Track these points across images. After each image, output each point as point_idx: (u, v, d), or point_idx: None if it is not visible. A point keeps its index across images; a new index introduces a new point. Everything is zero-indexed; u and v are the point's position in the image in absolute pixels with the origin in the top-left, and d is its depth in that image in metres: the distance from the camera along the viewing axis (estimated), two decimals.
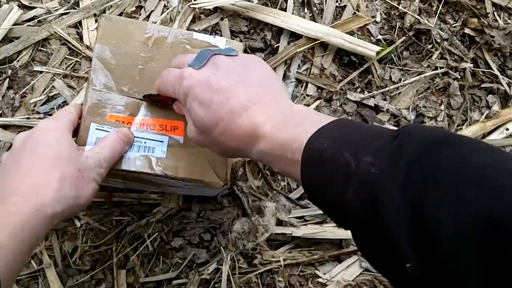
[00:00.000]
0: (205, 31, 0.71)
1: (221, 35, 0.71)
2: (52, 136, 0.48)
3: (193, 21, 0.72)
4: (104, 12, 0.70)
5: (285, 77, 0.72)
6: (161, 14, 0.71)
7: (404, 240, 0.29)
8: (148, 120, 0.55)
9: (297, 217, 0.69)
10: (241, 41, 0.71)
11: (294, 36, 0.73)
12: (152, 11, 0.71)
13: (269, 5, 0.73)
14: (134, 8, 0.71)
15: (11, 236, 0.41)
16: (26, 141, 0.49)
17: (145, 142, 0.55)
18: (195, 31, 0.70)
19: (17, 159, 0.48)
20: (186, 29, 0.70)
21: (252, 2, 0.71)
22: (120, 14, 0.70)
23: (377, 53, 0.72)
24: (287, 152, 0.39)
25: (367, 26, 0.74)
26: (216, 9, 0.72)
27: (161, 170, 0.54)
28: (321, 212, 0.70)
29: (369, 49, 0.72)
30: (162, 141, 0.56)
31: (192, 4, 0.71)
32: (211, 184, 0.56)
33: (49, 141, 0.48)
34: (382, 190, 0.31)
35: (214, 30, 0.71)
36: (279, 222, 0.68)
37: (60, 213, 0.46)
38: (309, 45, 0.72)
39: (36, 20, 0.70)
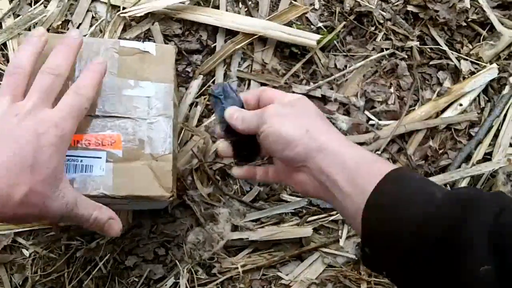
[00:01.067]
0: (137, 38, 0.69)
1: (154, 41, 0.69)
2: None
3: (124, 29, 0.69)
4: (30, 30, 0.68)
5: (226, 76, 0.70)
6: (90, 26, 0.69)
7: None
8: (80, 136, 0.53)
9: (253, 220, 0.68)
10: (176, 44, 0.69)
11: (231, 34, 0.71)
12: (80, 23, 0.69)
13: (202, 4, 0.71)
14: (60, 23, 0.68)
15: None
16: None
17: (81, 161, 0.53)
18: (126, 39, 0.68)
19: None
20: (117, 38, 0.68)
21: (183, 3, 0.69)
22: (48, 30, 0.67)
23: (318, 41, 0.70)
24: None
25: (306, 15, 0.72)
26: (147, 14, 0.70)
27: (100, 191, 0.53)
28: (277, 212, 0.69)
29: (309, 38, 0.70)
30: (100, 157, 0.54)
31: (122, 13, 0.68)
32: (157, 198, 0.54)
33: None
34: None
35: (147, 37, 0.69)
36: (235, 228, 0.67)
37: None
38: (247, 41, 0.70)
39: None
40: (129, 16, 0.69)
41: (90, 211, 0.50)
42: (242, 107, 0.55)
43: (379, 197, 0.43)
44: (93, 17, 0.70)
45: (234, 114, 0.53)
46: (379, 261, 0.44)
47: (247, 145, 0.55)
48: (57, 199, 0.47)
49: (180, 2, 0.69)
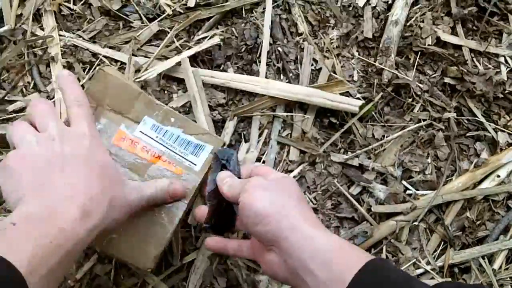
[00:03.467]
0: (184, 106, 0.73)
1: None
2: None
3: (171, 98, 0.74)
4: None
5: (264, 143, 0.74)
6: None
7: None
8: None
9: None
10: (219, 113, 0.73)
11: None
12: None
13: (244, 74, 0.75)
14: None
15: None
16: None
17: None
18: (173, 108, 0.72)
19: None
20: None
21: (225, 71, 0.73)
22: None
23: (360, 107, 0.73)
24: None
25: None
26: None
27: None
28: None
29: (352, 104, 0.74)
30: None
31: (137, 78, 0.73)
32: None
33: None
34: None
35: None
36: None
37: None
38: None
39: None
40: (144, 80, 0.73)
41: (152, 186, 0.59)
42: (239, 178, 0.59)
43: (359, 287, 0.43)
44: (142, 85, 0.74)
45: (225, 179, 0.57)
46: None
47: (223, 215, 0.60)
48: (129, 189, 0.56)
49: (220, 70, 0.73)
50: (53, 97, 0.74)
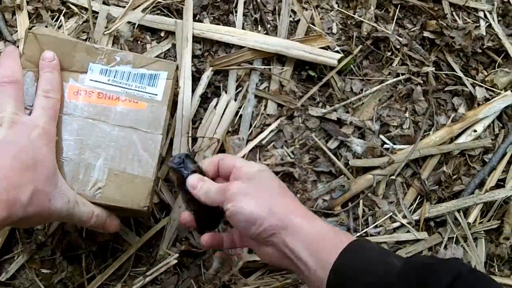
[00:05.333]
0: (158, 57, 0.72)
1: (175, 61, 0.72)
2: None
3: (144, 48, 0.72)
4: None
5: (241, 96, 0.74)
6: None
7: None
8: None
9: None
10: (194, 65, 0.72)
11: None
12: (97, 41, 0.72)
13: (221, 24, 0.75)
14: None
15: None
16: None
17: None
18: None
19: None
20: None
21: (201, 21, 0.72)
22: None
23: (339, 61, 0.74)
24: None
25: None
26: (167, 34, 0.73)
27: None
28: None
29: (331, 57, 0.74)
30: None
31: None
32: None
33: None
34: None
35: (167, 56, 0.73)
36: (249, 249, 0.70)
37: None
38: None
39: None
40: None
41: (91, 208, 0.58)
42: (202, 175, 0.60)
43: (340, 268, 0.48)
44: (115, 36, 0.73)
45: (197, 185, 0.58)
46: None
47: (209, 214, 0.61)
48: (59, 195, 0.55)
49: (195, 20, 0.72)
50: (18, 47, 0.72)
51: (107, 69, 0.62)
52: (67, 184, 0.57)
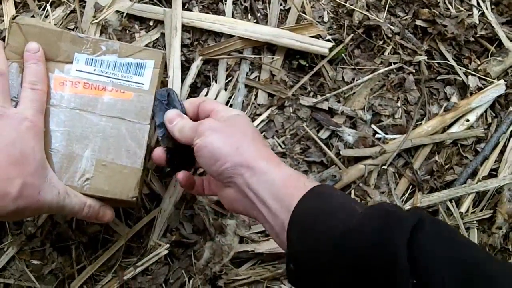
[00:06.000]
0: (146, 47, 0.72)
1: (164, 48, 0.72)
2: None
3: (132, 37, 0.72)
4: None
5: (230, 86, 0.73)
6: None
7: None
8: None
9: (258, 232, 0.71)
10: (184, 54, 0.72)
11: None
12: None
13: (210, 13, 0.74)
14: None
15: None
16: None
17: None
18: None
19: None
20: None
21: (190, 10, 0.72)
22: None
23: (330, 50, 0.73)
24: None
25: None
26: (156, 23, 0.73)
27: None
28: None
29: (322, 46, 0.74)
30: None
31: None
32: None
33: None
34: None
35: (156, 46, 0.72)
36: (240, 239, 0.70)
37: None
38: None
39: None
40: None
41: (82, 199, 0.58)
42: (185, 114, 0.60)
43: (301, 212, 0.47)
44: (103, 25, 0.72)
45: (174, 119, 0.58)
46: (302, 278, 0.47)
47: (182, 155, 0.61)
48: (49, 188, 0.55)
49: (184, 9, 0.72)
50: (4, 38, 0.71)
51: (93, 59, 0.62)
52: (56, 176, 0.57)
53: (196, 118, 0.60)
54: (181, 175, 0.61)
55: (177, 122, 0.58)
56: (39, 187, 0.54)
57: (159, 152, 0.61)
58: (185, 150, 0.59)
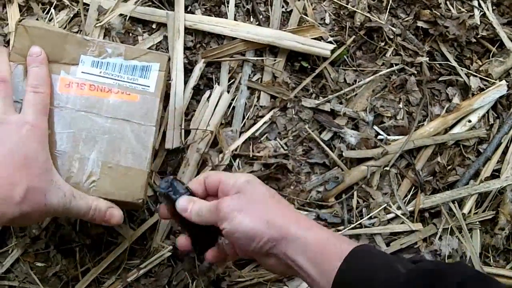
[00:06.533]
0: (150, 49, 0.72)
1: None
2: None
3: (135, 40, 0.73)
4: None
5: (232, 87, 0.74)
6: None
7: None
8: None
9: None
10: (187, 57, 0.72)
11: None
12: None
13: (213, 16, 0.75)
14: None
15: None
16: None
17: None
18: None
19: None
20: None
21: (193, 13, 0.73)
22: None
23: (332, 51, 0.74)
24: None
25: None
26: (159, 26, 0.73)
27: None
28: None
29: (324, 48, 0.74)
30: None
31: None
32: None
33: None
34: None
35: (159, 48, 0.73)
36: None
37: None
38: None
39: None
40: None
41: (89, 202, 0.58)
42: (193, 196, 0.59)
43: (344, 276, 0.48)
44: (106, 28, 0.73)
45: (187, 207, 0.57)
46: None
47: (206, 233, 0.59)
48: (54, 191, 0.55)
49: (187, 11, 0.73)
50: (9, 41, 0.72)
51: (98, 61, 0.62)
52: (62, 179, 0.58)
53: (205, 194, 0.60)
54: (210, 257, 0.61)
55: (192, 208, 0.57)
56: (45, 190, 0.54)
57: (183, 241, 0.61)
58: (206, 229, 0.58)
